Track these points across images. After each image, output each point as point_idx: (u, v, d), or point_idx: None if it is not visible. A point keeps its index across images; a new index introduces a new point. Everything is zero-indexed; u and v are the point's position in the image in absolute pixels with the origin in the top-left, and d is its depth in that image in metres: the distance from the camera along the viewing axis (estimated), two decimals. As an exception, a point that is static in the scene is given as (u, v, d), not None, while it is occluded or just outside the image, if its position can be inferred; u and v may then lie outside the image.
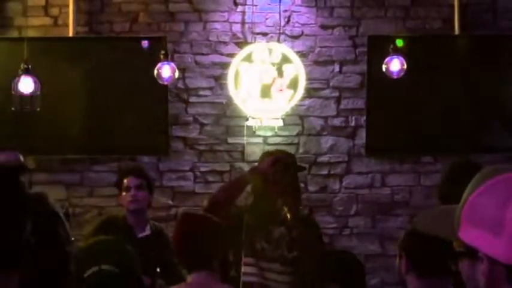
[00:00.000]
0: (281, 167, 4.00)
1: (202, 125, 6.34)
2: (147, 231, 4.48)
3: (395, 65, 5.73)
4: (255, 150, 6.15)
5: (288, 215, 3.88)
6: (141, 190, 4.48)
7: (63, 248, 1.71)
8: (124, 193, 4.47)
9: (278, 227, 4.02)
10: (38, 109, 5.55)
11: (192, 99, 6.34)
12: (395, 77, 5.74)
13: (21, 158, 4.37)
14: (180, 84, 6.26)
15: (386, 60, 5.75)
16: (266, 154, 4.29)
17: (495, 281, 1.26)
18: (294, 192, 4.05)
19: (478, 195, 1.31)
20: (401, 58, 5.74)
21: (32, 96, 5.52)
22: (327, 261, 2.89)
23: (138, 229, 4.45)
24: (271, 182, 3.96)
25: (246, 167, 6.13)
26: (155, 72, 5.70)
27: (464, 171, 4.22)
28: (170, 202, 6.31)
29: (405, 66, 5.71)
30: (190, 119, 6.36)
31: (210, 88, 6.32)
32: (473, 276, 1.31)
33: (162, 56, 5.74)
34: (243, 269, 4.03)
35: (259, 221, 4.02)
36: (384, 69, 5.75)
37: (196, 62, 6.33)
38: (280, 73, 6.21)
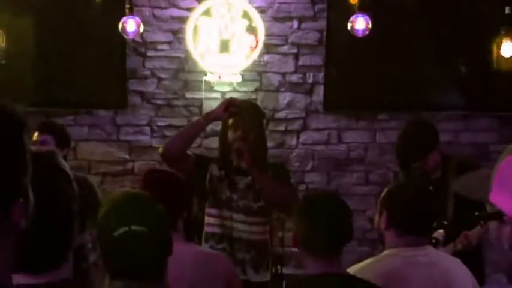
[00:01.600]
0: (236, 112, 3.98)
1: (160, 79, 6.31)
2: None
3: (360, 23, 5.72)
4: (213, 106, 5.91)
5: (243, 163, 3.89)
6: (45, 146, 4.39)
7: (68, 205, 1.70)
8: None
9: (244, 178, 4.00)
10: (3, 62, 5.53)
11: (150, 53, 6.29)
12: (360, 35, 5.75)
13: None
14: (138, 38, 6.18)
15: (351, 18, 5.73)
16: (240, 102, 4.29)
17: None
18: (256, 140, 3.97)
19: (507, 163, 1.40)
20: (367, 17, 5.72)
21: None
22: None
23: None
24: (230, 129, 3.96)
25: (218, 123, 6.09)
26: (119, 26, 5.62)
27: (417, 129, 4.33)
28: (127, 156, 6.31)
29: (370, 25, 5.70)
30: (148, 73, 6.31)
31: (169, 42, 6.28)
32: (499, 237, 1.41)
33: (127, 10, 5.66)
34: (206, 219, 4.04)
35: (225, 171, 4.01)
36: (348, 28, 5.72)
37: (154, 16, 6.27)
38: (240, 28, 6.15)
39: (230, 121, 3.99)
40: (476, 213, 1.55)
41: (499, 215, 1.40)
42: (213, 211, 4.01)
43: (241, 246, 3.97)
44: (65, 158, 4.42)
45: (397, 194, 2.95)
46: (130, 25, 5.65)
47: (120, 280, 2.14)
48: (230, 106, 3.99)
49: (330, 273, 2.57)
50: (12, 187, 1.26)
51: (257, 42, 6.20)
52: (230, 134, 3.96)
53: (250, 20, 6.20)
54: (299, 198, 3.14)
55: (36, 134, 4.43)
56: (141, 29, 5.67)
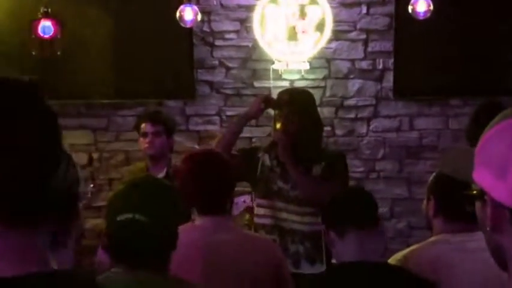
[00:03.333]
0: (276, 105, 3.99)
1: (228, 68, 6.26)
2: (162, 174, 4.52)
3: (421, 5, 5.59)
4: None
5: (280, 156, 3.85)
6: (158, 136, 4.56)
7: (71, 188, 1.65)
8: (141, 138, 4.57)
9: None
10: (59, 53, 5.46)
11: (218, 42, 6.26)
12: (421, 17, 5.61)
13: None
14: (205, 28, 6.18)
15: (412, 1, 5.60)
16: (278, 94, 4.20)
17: (499, 225, 1.21)
18: (300, 131, 3.90)
19: (490, 136, 1.26)
20: (428, -1, 5.51)
21: (52, 39, 5.42)
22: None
23: (155, 173, 4.50)
24: (276, 121, 3.96)
25: (272, 111, 6.05)
26: (177, 14, 5.61)
27: (490, 112, 4.17)
28: (196, 146, 6.26)
29: (431, 7, 5.55)
30: (216, 62, 6.27)
31: (236, 31, 6.23)
32: (482, 218, 1.27)
33: (184, -1, 5.62)
34: (256, 210, 3.98)
35: (277, 160, 3.94)
36: (410, 11, 5.60)
37: (221, 5, 6.23)
38: (307, 15, 6.06)
39: (276, 113, 4.00)
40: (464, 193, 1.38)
41: (481, 194, 1.25)
42: (263, 201, 3.95)
43: (294, 237, 3.91)
44: (171, 148, 4.64)
45: (444, 178, 2.80)
46: (188, 13, 5.63)
47: (119, 266, 2.15)
48: (263, 103, 4.00)
49: (366, 262, 2.55)
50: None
51: (325, 29, 6.10)
52: (276, 127, 3.97)
53: (317, 6, 6.10)
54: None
55: (143, 125, 4.57)
56: (199, 17, 5.63)
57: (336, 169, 3.91)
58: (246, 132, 5.49)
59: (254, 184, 4.01)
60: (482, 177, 1.25)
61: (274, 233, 3.86)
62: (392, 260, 2.81)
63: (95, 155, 6.15)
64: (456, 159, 1.46)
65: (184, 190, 2.81)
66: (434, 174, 2.93)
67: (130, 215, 2.09)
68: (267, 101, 4.03)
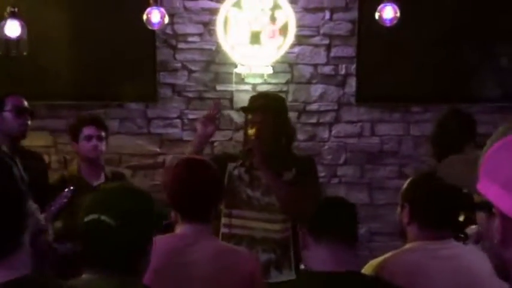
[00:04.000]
0: (251, 109, 3.88)
1: (190, 71, 6.23)
2: (101, 179, 4.49)
3: (388, 12, 5.58)
4: (243, 98, 6.00)
5: (256, 163, 3.74)
6: (101, 141, 4.51)
7: (17, 186, 1.64)
8: (84, 142, 4.48)
9: None
10: (25, 53, 5.36)
11: (181, 45, 6.22)
12: (388, 25, 5.59)
13: (26, 103, 4.49)
14: (168, 30, 6.14)
15: (379, 7, 5.59)
16: (252, 98, 4.11)
17: (508, 237, 1.24)
18: (273, 136, 3.81)
19: (497, 148, 1.27)
20: (395, 5, 5.57)
21: (18, 40, 5.30)
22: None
23: (92, 178, 4.47)
24: (248, 126, 3.85)
25: (234, 115, 6.10)
26: (144, 17, 5.54)
27: (455, 119, 4.18)
28: (158, 149, 6.25)
29: (398, 14, 5.55)
30: (179, 65, 6.24)
31: (199, 34, 6.20)
32: (488, 229, 1.29)
33: (151, 1, 5.56)
34: (223, 220, 3.84)
35: (245, 167, 3.85)
36: (376, 17, 5.59)
37: (185, 8, 6.20)
38: (271, 20, 6.07)
39: (248, 117, 3.89)
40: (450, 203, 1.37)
41: (487, 206, 1.27)
42: (231, 211, 3.83)
43: (266, 246, 3.83)
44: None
45: (419, 185, 2.82)
46: (155, 16, 5.56)
47: (89, 271, 2.13)
48: (207, 121, 3.84)
49: (339, 271, 2.51)
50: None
51: (288, 33, 6.09)
52: (249, 132, 3.85)
53: (281, 10, 6.09)
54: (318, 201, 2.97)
55: (86, 128, 4.47)
56: (166, 19, 5.56)
57: (307, 174, 3.84)
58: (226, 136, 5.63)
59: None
60: (489, 190, 1.26)
61: (242, 244, 3.75)
62: (367, 267, 2.79)
63: (54, 157, 6.03)
64: (454, 167, 1.47)
65: (171, 195, 2.79)
66: (408, 180, 2.91)
67: (96, 216, 2.07)
68: (208, 119, 3.86)
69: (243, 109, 3.98)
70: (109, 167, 4.78)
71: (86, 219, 2.09)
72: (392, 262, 2.75)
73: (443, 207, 2.76)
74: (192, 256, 2.71)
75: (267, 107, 3.84)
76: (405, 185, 2.89)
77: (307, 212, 2.75)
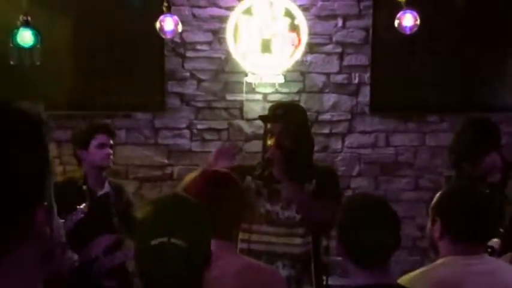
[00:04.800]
0: (271, 118, 3.77)
1: (199, 80, 6.08)
2: (106, 189, 4.36)
3: (408, 20, 5.38)
4: (254, 108, 5.93)
5: (276, 174, 3.63)
6: (111, 149, 4.40)
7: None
8: (95, 149, 4.33)
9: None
10: (38, 63, 5.22)
11: (189, 53, 6.07)
12: (408, 32, 5.38)
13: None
14: (176, 38, 5.97)
15: (398, 15, 5.39)
16: (272, 107, 3.97)
17: None
18: (294, 146, 3.70)
19: None
20: (415, 13, 5.37)
21: (31, 49, 5.18)
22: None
23: (97, 187, 4.34)
24: (267, 136, 3.76)
25: (244, 125, 5.97)
26: (157, 25, 5.37)
27: (476, 128, 4.00)
28: (165, 161, 6.10)
29: (418, 22, 5.35)
30: (188, 74, 6.09)
31: (208, 43, 6.06)
32: None
33: (164, 9, 5.40)
34: (241, 235, 3.70)
35: (263, 180, 3.74)
36: (396, 25, 5.38)
37: (193, 15, 6.05)
38: (290, 28, 5.91)
39: (268, 127, 3.77)
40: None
41: None
42: (249, 227, 3.68)
43: (286, 261, 3.72)
44: None
45: (452, 199, 2.72)
46: (168, 24, 5.40)
47: None
48: (221, 155, 3.69)
49: (380, 284, 2.37)
50: (34, 192, 1.18)
51: (299, 41, 5.92)
52: (268, 142, 3.74)
53: (292, 18, 5.92)
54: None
55: (99, 136, 4.35)
56: (180, 28, 5.40)
57: (328, 186, 3.73)
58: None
59: None
60: None
61: (261, 259, 3.57)
62: (401, 282, 2.65)
63: (59, 168, 5.87)
64: None
65: None
66: (438, 194, 2.79)
67: (165, 239, 1.93)
68: (223, 154, 3.72)
69: (262, 118, 3.88)
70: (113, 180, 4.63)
71: (152, 243, 1.93)
72: (427, 277, 2.67)
73: (476, 220, 2.67)
74: (216, 272, 2.56)
75: (287, 116, 3.76)
76: (436, 199, 2.78)
77: (329, 224, 2.66)
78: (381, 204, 2.46)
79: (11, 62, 5.18)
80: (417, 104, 6.04)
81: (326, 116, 6.13)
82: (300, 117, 3.89)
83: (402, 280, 2.66)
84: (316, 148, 5.54)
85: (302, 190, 3.65)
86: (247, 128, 6.01)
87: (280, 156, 3.61)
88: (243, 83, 5.95)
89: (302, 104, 5.89)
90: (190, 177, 2.98)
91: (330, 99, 6.14)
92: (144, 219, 2.01)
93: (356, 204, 2.50)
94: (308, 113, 5.64)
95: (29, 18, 5.15)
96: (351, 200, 2.73)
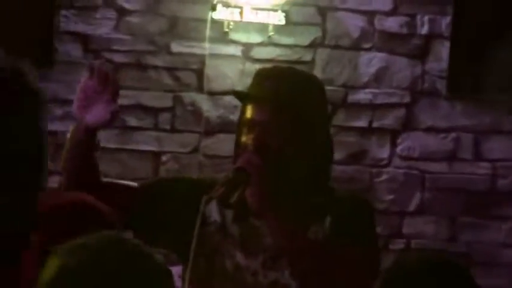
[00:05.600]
0: (253, 96, 2.43)
1: (121, 13, 4.19)
2: None
3: None
4: (226, 72, 4.24)
5: (251, 201, 2.30)
6: None
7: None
8: None
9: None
10: None
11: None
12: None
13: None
14: None
15: None
16: (258, 75, 2.51)
17: None
18: (295, 153, 2.36)
19: None
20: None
21: None
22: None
23: None
24: (242, 128, 2.41)
25: (206, 103, 4.34)
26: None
27: None
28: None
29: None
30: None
31: None
32: None
33: None
34: None
35: (235, 210, 2.42)
36: None
37: None
38: None
39: (247, 112, 2.43)
40: None
41: None
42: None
43: None
44: None
45: None
46: None
47: None
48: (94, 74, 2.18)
49: None
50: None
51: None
52: (242, 139, 2.41)
53: None
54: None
55: None
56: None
57: (354, 230, 2.34)
58: (149, 143, 4.11)
59: (182, 255, 2.40)
60: None
61: None
62: None
63: None
64: None
65: None
66: None
67: None
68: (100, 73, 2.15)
69: (238, 95, 2.51)
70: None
71: None
72: None
73: None
74: None
75: (284, 93, 2.41)
76: None
77: None
78: (456, 273, 1.80)
79: None
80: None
81: (362, 96, 4.24)
82: (310, 97, 2.47)
83: None
84: (339, 156, 4.29)
85: (303, 236, 2.39)
86: (209, 109, 4.20)
87: (261, 168, 2.30)
88: (205, 21, 4.08)
89: (317, 69, 4.22)
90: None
91: (372, 63, 4.26)
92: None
93: (411, 272, 1.80)
94: (328, 88, 3.90)
95: None
96: (402, 263, 1.89)
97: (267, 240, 2.49)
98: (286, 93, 2.44)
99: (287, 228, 2.43)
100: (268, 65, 3.55)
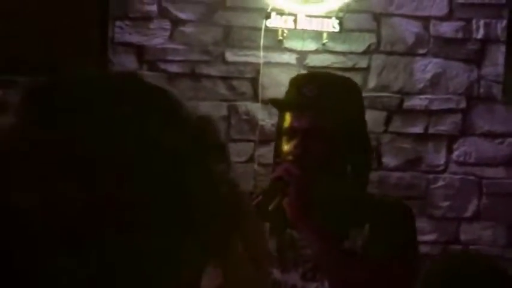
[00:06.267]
0: (291, 104, 2.52)
1: (176, 23, 4.12)
2: None
3: None
4: (280, 80, 4.05)
5: (290, 213, 2.38)
6: None
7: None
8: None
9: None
10: None
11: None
12: None
13: None
14: None
15: None
16: (294, 82, 2.58)
17: None
18: (333, 156, 2.42)
19: None
20: None
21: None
22: None
23: None
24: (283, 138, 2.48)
25: (260, 112, 4.29)
26: None
27: None
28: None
29: None
30: (153, 8, 4.12)
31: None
32: None
33: None
34: None
35: (269, 221, 2.48)
36: None
37: None
38: None
39: (285, 120, 2.46)
40: None
41: None
42: None
43: None
44: None
45: None
46: None
47: None
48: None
49: None
50: None
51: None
52: (285, 147, 2.46)
53: None
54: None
55: None
56: None
57: (394, 239, 2.39)
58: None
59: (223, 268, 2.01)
60: None
61: None
62: None
63: None
64: None
65: None
66: None
67: None
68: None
69: (275, 103, 2.67)
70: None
71: None
72: None
73: None
74: None
75: (323, 102, 2.46)
76: None
77: None
78: (502, 279, 1.92)
79: None
80: None
81: (418, 102, 4.09)
82: (349, 102, 2.55)
83: None
84: (394, 162, 4.33)
85: (341, 246, 2.50)
86: (264, 118, 4.06)
87: (300, 177, 2.35)
88: (259, 30, 3.94)
89: (372, 75, 4.09)
90: None
91: (428, 68, 4.12)
92: None
93: (454, 278, 1.94)
94: (383, 95, 4.18)
95: None
96: (446, 267, 2.05)
97: (305, 251, 2.51)
98: (326, 99, 2.49)
99: (325, 238, 2.48)
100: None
